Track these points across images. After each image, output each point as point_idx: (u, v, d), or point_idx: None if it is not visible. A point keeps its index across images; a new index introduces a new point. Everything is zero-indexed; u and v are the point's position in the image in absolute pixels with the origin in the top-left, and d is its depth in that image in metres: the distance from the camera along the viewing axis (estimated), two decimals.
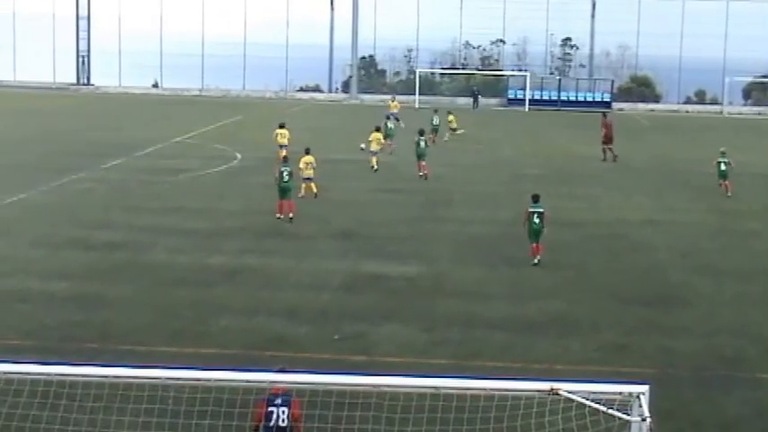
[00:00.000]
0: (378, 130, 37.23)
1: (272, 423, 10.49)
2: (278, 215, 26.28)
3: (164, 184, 32.37)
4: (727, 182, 32.27)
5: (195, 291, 19.28)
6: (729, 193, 31.82)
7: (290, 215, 26.12)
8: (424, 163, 34.53)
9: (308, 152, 29.57)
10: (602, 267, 22.18)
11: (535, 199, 22.59)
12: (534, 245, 22.01)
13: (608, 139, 40.60)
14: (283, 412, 10.50)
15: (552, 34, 76.25)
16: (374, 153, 35.88)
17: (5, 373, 8.66)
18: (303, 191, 29.01)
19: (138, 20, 76.27)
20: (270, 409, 10.51)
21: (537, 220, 22.11)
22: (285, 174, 26.68)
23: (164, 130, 47.86)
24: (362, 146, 37.39)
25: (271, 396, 10.53)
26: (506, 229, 25.88)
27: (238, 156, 38.02)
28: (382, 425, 10.14)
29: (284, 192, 26.55)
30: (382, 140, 37.17)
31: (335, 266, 21.48)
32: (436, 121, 46.53)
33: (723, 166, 32.50)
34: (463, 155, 41.62)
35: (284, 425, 10.48)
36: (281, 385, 10.36)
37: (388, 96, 60.19)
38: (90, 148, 40.31)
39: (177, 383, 8.79)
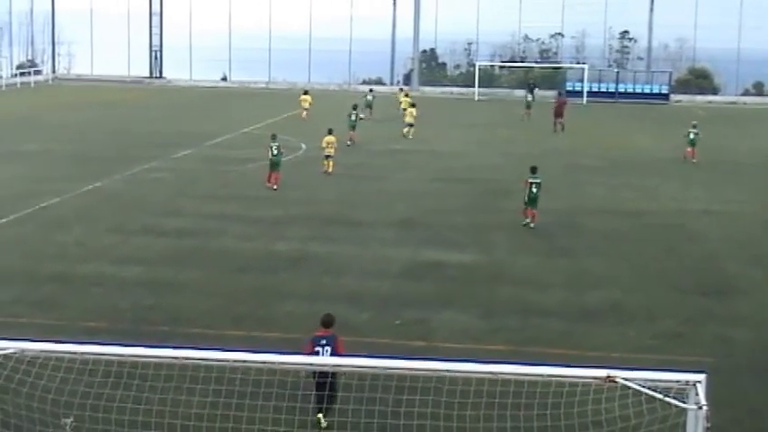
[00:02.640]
0: (413, 105, 45.13)
1: None
2: (267, 184, 29.36)
3: (232, 173, 32.98)
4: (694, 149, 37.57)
5: (261, 277, 19.76)
6: (695, 160, 36.87)
7: (275, 186, 29.13)
8: (353, 132, 40.26)
9: (330, 132, 32.84)
10: (659, 257, 22.11)
11: (533, 170, 25.10)
12: (531, 210, 24.58)
13: (558, 114, 47.81)
14: (327, 350, 11.63)
15: (610, 27, 75.40)
16: (410, 125, 42.88)
17: (82, 353, 8.97)
18: (324, 166, 32.32)
19: (208, 15, 77.51)
20: (315, 348, 11.69)
21: (535, 190, 24.67)
22: (274, 148, 29.77)
23: (232, 121, 48.55)
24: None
25: (315, 337, 11.91)
26: (563, 218, 25.98)
27: (303, 146, 38.49)
28: (441, 409, 10.35)
29: (273, 165, 29.54)
30: (414, 113, 43.78)
31: (396, 254, 21.79)
32: (530, 98, 55.48)
33: (692, 136, 37.72)
34: (520, 145, 41.53)
35: None
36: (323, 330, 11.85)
37: (397, 87, 64.18)
38: (161, 139, 41.18)
39: (244, 366, 9.04)
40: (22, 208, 25.74)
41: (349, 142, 39.27)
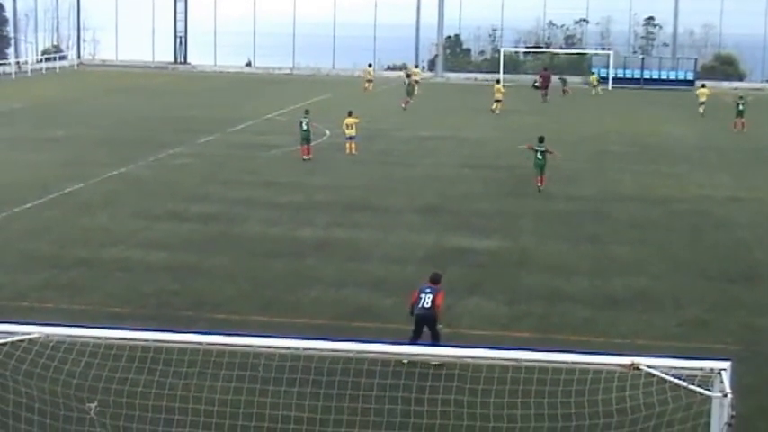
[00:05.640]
0: (498, 81, 50.32)
1: (420, 304, 14.21)
2: (303, 157, 31.58)
3: (256, 159, 33.04)
4: (742, 120, 41.58)
5: (286, 262, 19.80)
6: (745, 130, 40.91)
7: (306, 156, 31.49)
8: (409, 98, 48.27)
9: (350, 114, 33.88)
10: (686, 244, 21.97)
11: (540, 140, 27.37)
12: (539, 177, 26.79)
13: (544, 87, 54.94)
14: (429, 298, 14.20)
15: (636, 13, 74.81)
16: (498, 101, 47.07)
17: (106, 338, 9.00)
18: (347, 149, 33.24)
19: (233, 1, 77.59)
20: (420, 295, 14.27)
21: (540, 157, 26.85)
22: (304, 124, 31.74)
23: (256, 107, 48.57)
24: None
25: (423, 286, 14.46)
26: (590, 205, 25.87)
27: (327, 132, 38.44)
28: (465, 395, 10.38)
29: (304, 140, 31.84)
30: (502, 89, 48.14)
31: (421, 240, 21.76)
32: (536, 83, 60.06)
33: (741, 107, 41.55)
34: (546, 132, 41.24)
35: (427, 306, 14.16)
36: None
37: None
38: (186, 124, 41.31)
39: (268, 351, 9.01)
40: (47, 193, 25.93)
41: (403, 105, 47.09)
